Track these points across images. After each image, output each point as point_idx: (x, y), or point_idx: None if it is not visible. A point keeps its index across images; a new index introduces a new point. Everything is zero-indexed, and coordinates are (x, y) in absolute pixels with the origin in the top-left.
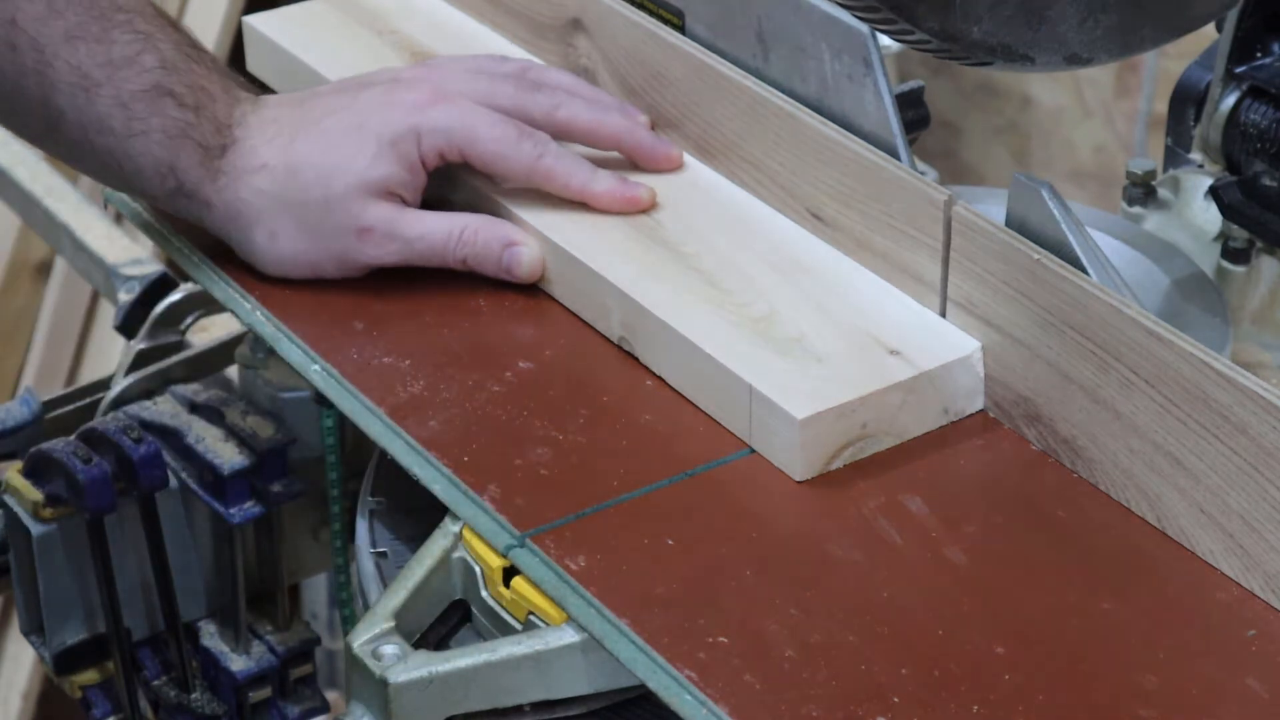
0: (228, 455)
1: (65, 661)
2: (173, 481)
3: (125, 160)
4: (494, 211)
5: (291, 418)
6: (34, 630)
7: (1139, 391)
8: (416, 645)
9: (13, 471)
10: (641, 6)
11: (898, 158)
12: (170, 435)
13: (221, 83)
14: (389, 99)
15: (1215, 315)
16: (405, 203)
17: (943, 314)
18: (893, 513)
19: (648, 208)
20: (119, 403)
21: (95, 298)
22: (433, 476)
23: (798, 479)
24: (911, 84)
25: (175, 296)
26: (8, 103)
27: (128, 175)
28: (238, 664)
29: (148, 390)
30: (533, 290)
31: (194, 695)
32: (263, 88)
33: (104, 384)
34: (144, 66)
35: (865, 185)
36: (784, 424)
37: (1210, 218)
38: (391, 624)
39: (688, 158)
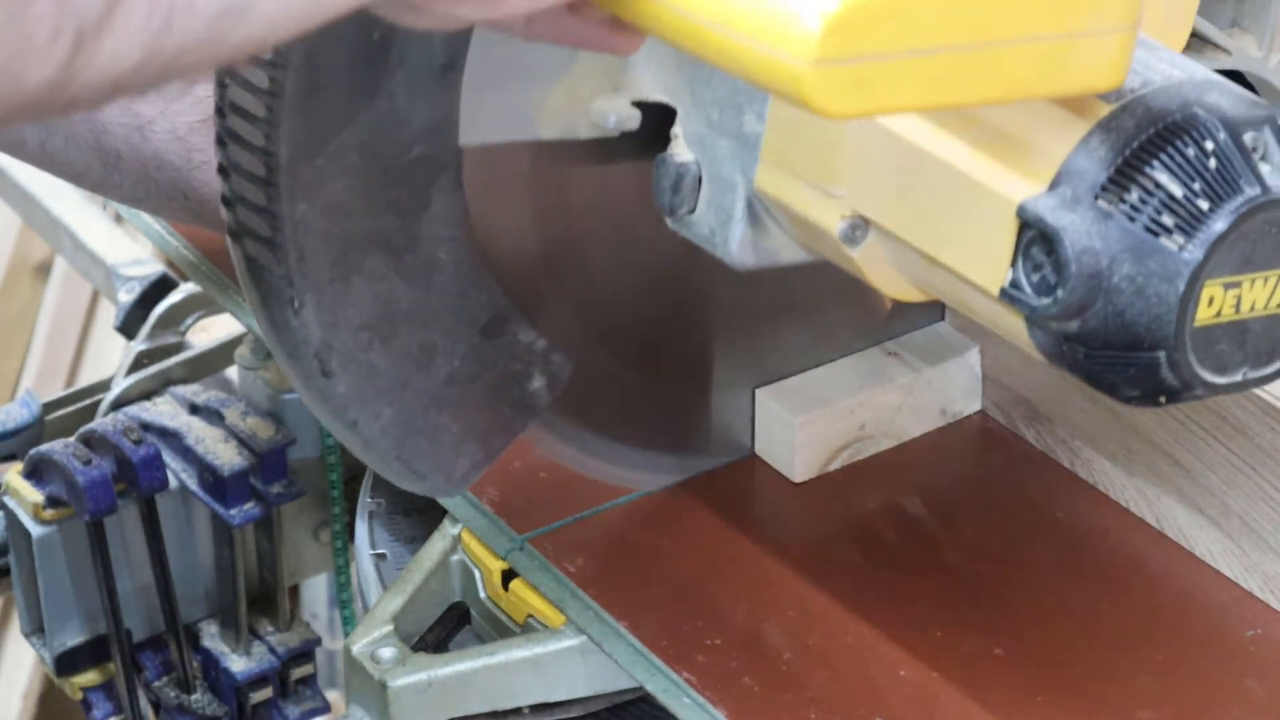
0: (228, 456)
1: (66, 663)
2: (173, 483)
3: (189, 191)
4: None
5: (291, 419)
6: (35, 631)
7: None
8: (415, 648)
9: (13, 473)
10: None
11: None
12: (170, 436)
13: None
14: None
15: None
16: None
17: (941, 315)
18: (891, 513)
19: None
20: (119, 404)
21: (95, 298)
22: None
23: (796, 480)
24: None
25: (175, 297)
26: (63, 155)
27: (193, 207)
28: (238, 665)
29: (148, 391)
30: None
31: (195, 696)
32: None
33: (104, 385)
34: (197, 97)
35: None
36: (782, 425)
37: None
38: (390, 627)
39: None
